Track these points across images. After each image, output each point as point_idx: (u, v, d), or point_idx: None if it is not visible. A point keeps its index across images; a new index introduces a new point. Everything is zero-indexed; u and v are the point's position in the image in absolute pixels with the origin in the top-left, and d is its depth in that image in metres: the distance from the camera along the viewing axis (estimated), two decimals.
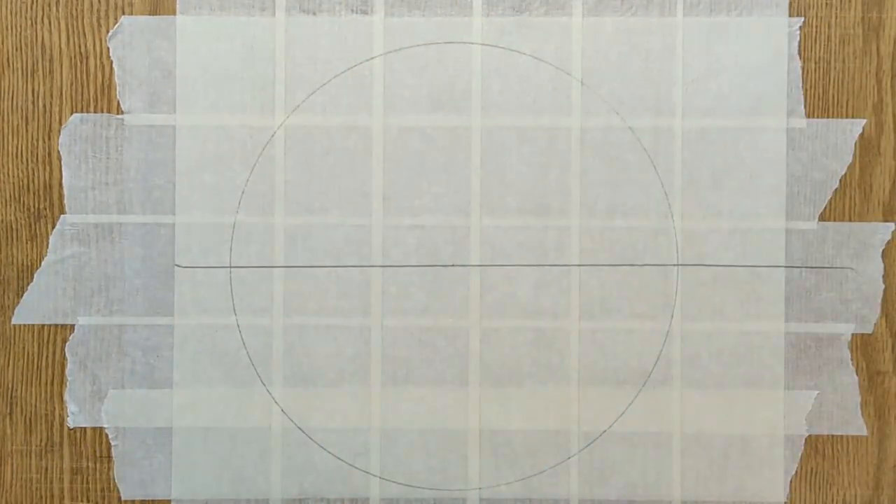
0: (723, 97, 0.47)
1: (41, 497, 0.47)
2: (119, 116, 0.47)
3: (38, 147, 0.47)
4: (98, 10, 0.47)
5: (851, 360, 0.47)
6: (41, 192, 0.47)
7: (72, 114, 0.47)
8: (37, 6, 0.47)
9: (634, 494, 0.47)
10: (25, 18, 0.47)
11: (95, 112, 0.47)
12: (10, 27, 0.47)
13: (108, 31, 0.47)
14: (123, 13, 0.47)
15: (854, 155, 0.47)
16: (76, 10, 0.47)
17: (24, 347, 0.47)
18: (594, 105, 0.47)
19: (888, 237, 0.47)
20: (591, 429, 0.47)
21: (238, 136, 0.47)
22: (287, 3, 0.47)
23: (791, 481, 0.47)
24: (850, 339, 0.47)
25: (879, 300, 0.47)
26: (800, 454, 0.47)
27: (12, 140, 0.47)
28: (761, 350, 0.47)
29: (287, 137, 0.47)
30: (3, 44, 0.47)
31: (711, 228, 0.48)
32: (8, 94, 0.47)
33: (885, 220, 0.47)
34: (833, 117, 0.47)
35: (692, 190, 0.47)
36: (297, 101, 0.47)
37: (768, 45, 0.47)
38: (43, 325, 0.47)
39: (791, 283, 0.47)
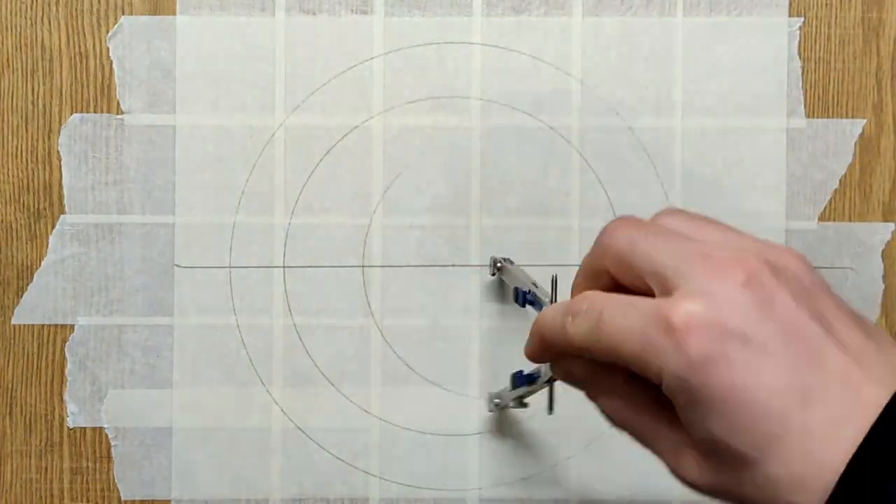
0: (723, 97, 0.47)
1: (41, 497, 0.47)
2: (119, 116, 0.47)
3: (37, 147, 0.47)
4: (98, 10, 0.47)
5: None
6: (41, 192, 0.47)
7: (72, 114, 0.47)
8: (37, 6, 0.47)
9: (634, 494, 0.47)
10: (25, 18, 0.47)
11: (95, 112, 0.47)
12: (9, 27, 0.47)
13: (108, 31, 0.47)
14: (123, 13, 0.47)
15: (854, 155, 0.47)
16: (76, 10, 0.47)
17: (23, 347, 0.47)
18: (594, 105, 0.47)
19: (888, 237, 0.47)
20: (591, 429, 0.47)
21: (238, 136, 0.47)
22: (287, 3, 0.47)
23: None
24: None
25: (879, 300, 0.47)
26: None
27: (12, 140, 0.47)
28: None
29: (287, 137, 0.47)
30: (2, 44, 0.47)
31: None
32: (8, 94, 0.47)
33: (885, 221, 0.47)
34: (833, 117, 0.47)
35: (692, 190, 0.47)
36: (297, 101, 0.47)
37: (768, 45, 0.47)
38: (43, 325, 0.47)
39: None
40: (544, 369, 0.39)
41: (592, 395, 0.32)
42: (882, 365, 0.27)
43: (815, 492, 0.26)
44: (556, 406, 0.39)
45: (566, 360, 0.32)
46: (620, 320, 0.28)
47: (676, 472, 0.29)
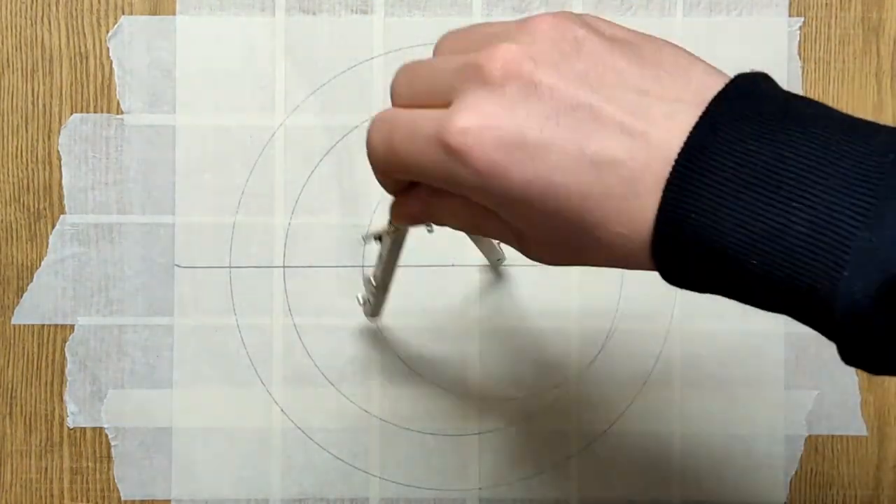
0: None
1: (41, 497, 0.47)
2: (119, 116, 0.47)
3: (37, 147, 0.47)
4: (98, 10, 0.47)
5: None
6: (41, 192, 0.47)
7: (72, 114, 0.47)
8: (37, 6, 0.47)
9: (634, 494, 0.47)
10: (25, 18, 0.47)
11: (95, 112, 0.47)
12: (9, 27, 0.47)
13: (108, 31, 0.47)
14: (123, 13, 0.47)
15: None
16: (76, 10, 0.47)
17: (24, 347, 0.47)
18: None
19: None
20: (591, 429, 0.47)
21: (238, 136, 0.47)
22: (287, 3, 0.47)
23: (791, 481, 0.47)
24: None
25: None
26: (800, 454, 0.47)
27: (12, 140, 0.47)
28: (761, 350, 0.47)
29: (287, 137, 0.47)
30: (2, 44, 0.47)
31: None
32: (8, 94, 0.47)
33: None
34: None
35: None
36: (297, 101, 0.47)
37: (768, 45, 0.47)
38: (43, 325, 0.47)
39: None
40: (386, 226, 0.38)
41: (439, 222, 0.33)
42: (667, 99, 0.26)
43: (640, 241, 0.26)
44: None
45: (397, 203, 0.33)
46: (407, 142, 0.29)
47: (530, 257, 0.31)
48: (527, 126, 0.26)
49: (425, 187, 0.31)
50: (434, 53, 0.31)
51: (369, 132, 0.30)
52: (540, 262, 0.30)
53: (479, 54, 0.28)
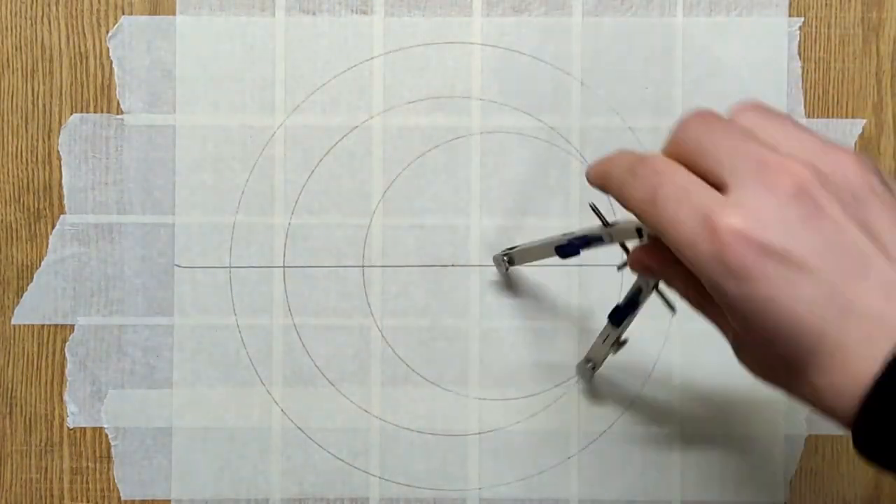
0: (723, 97, 0.47)
1: (41, 497, 0.47)
2: (119, 116, 0.47)
3: (37, 147, 0.47)
4: (98, 10, 0.47)
5: None
6: (41, 192, 0.47)
7: (71, 114, 0.47)
8: (37, 6, 0.47)
9: (634, 494, 0.47)
10: (25, 18, 0.47)
11: (95, 112, 0.47)
12: (9, 27, 0.47)
13: (108, 31, 0.47)
14: (123, 13, 0.47)
15: None
16: (76, 10, 0.47)
17: (23, 347, 0.47)
18: (594, 105, 0.47)
19: None
20: (591, 429, 0.47)
21: (238, 136, 0.47)
22: (287, 3, 0.47)
23: (791, 481, 0.47)
24: None
25: None
26: (800, 454, 0.47)
27: (12, 140, 0.47)
28: None
29: (287, 137, 0.47)
30: (2, 44, 0.47)
31: None
32: (8, 94, 0.47)
33: None
34: (833, 117, 0.47)
35: None
36: (297, 101, 0.47)
37: (768, 45, 0.47)
38: (43, 325, 0.47)
39: None
40: (643, 286, 0.40)
41: (667, 281, 0.34)
42: None
43: (851, 402, 0.26)
44: (674, 302, 0.38)
45: (638, 252, 0.34)
46: (673, 205, 0.28)
47: (739, 360, 0.30)
48: (795, 248, 0.26)
49: (665, 250, 0.30)
50: (733, 113, 0.30)
51: (631, 172, 0.30)
52: (747, 369, 0.30)
53: (782, 159, 0.27)
